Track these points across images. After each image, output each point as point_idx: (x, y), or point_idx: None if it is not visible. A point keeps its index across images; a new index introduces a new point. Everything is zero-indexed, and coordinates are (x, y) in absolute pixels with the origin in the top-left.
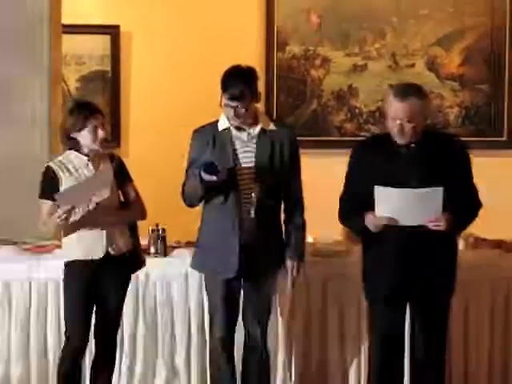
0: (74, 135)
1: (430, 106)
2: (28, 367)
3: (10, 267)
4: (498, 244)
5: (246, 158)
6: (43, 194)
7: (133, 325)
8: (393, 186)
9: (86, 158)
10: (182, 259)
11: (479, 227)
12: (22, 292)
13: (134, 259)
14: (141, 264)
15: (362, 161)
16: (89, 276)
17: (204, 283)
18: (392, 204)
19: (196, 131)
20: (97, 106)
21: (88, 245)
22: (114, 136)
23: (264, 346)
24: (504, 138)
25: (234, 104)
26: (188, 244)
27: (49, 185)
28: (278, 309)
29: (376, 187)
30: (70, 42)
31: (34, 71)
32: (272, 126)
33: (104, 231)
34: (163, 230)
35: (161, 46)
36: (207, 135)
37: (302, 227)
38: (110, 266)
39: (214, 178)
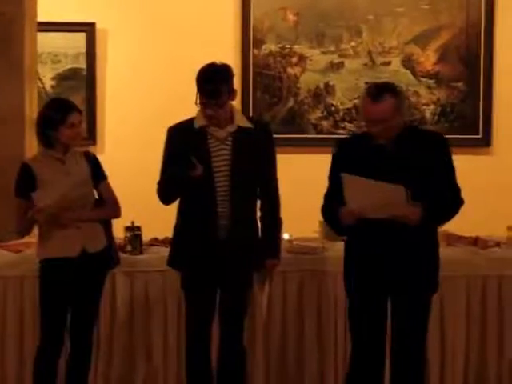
0: (50, 132)
1: (405, 103)
2: (3, 367)
3: None
4: (474, 241)
5: (222, 155)
6: (18, 192)
7: (109, 324)
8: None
9: (61, 155)
10: (158, 257)
11: (455, 224)
12: None
13: (109, 257)
14: (116, 262)
15: (343, 158)
16: (64, 274)
17: (180, 280)
18: (359, 194)
19: (171, 129)
20: (74, 103)
21: (63, 243)
22: (90, 133)
23: (240, 343)
24: (479, 136)
25: (209, 102)
26: (164, 241)
27: (24, 183)
28: (255, 306)
29: (343, 174)
30: (45, 40)
31: (9, 69)
32: (248, 124)
33: (80, 229)
34: (138, 227)
35: (136, 44)
36: (182, 133)
37: (278, 225)
38: (85, 264)
39: (190, 173)
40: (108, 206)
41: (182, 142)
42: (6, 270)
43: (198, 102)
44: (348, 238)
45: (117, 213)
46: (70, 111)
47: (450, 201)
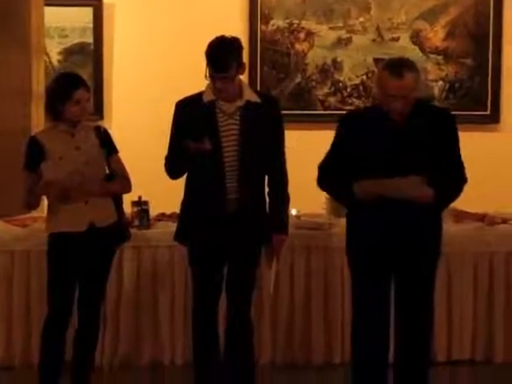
0: (58, 107)
1: (421, 78)
2: (11, 340)
3: None
4: (481, 217)
5: (231, 130)
6: (26, 165)
7: (116, 299)
8: (380, 157)
9: (71, 129)
10: (165, 231)
11: (462, 201)
12: (5, 262)
13: (118, 232)
14: (126, 237)
15: (350, 131)
16: (73, 248)
17: (188, 255)
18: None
19: (179, 103)
20: (82, 78)
21: (71, 217)
22: (97, 108)
23: (248, 317)
24: (487, 112)
25: (219, 75)
26: (172, 216)
27: (32, 156)
28: (262, 281)
29: (355, 184)
30: (52, 15)
31: (15, 43)
32: (257, 98)
33: (88, 203)
34: (146, 202)
35: (143, 18)
36: (191, 107)
37: (286, 200)
38: (94, 238)
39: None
40: (118, 180)
41: (190, 116)
42: (13, 244)
43: (207, 75)
44: (352, 211)
45: (128, 187)
46: (77, 87)
47: (457, 179)
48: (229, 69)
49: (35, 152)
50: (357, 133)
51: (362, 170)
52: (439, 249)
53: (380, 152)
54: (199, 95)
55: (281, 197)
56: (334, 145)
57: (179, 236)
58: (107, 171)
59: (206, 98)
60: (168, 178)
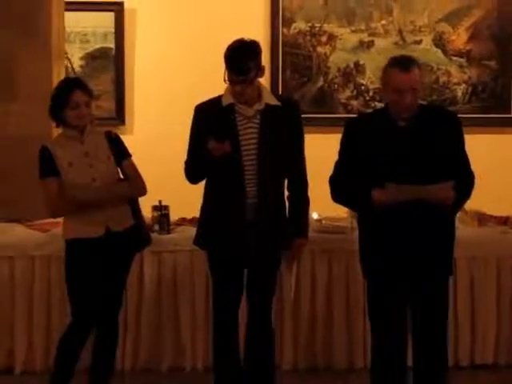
0: (59, 112)
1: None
2: (32, 344)
3: (15, 243)
4: (504, 221)
5: (250, 133)
6: (46, 171)
7: (137, 303)
8: (389, 161)
9: (79, 135)
10: (185, 236)
11: (486, 204)
12: (25, 268)
13: (137, 236)
14: (146, 241)
15: (355, 137)
16: (90, 254)
17: (208, 260)
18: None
19: (198, 107)
20: (82, 82)
21: (89, 222)
22: (118, 113)
23: (268, 322)
24: (511, 115)
25: (239, 79)
26: (192, 221)
27: (48, 162)
28: (283, 285)
29: (388, 184)
30: (74, 20)
31: (36, 48)
32: (276, 101)
33: (103, 209)
34: (166, 207)
35: (165, 23)
36: (210, 111)
37: (306, 204)
38: (111, 242)
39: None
40: (133, 184)
41: (210, 120)
42: (33, 250)
43: (226, 78)
44: (366, 220)
45: (142, 190)
46: (72, 89)
47: (469, 178)
48: (248, 72)
49: (47, 161)
50: (361, 138)
51: (371, 175)
52: (453, 253)
53: (388, 156)
54: (218, 99)
55: (301, 200)
56: (340, 154)
57: (199, 241)
58: (121, 176)
59: (225, 101)
60: (188, 182)
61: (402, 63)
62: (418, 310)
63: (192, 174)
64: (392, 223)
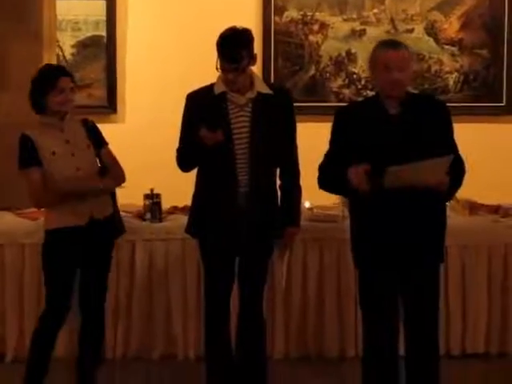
0: (42, 97)
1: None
2: (23, 333)
3: (5, 231)
4: (496, 209)
5: (242, 122)
6: (28, 161)
7: (128, 291)
8: (379, 149)
9: (59, 123)
10: (177, 224)
11: (477, 193)
12: (15, 256)
13: (114, 224)
14: (121, 230)
15: (346, 125)
16: (73, 242)
17: (199, 248)
18: (401, 180)
19: (190, 95)
20: (64, 68)
21: (73, 211)
22: (110, 102)
23: (260, 311)
24: (503, 104)
25: (231, 66)
26: (184, 209)
27: (30, 152)
28: (274, 274)
29: (389, 168)
30: (65, 8)
31: (27, 36)
32: (268, 90)
33: (88, 198)
34: (158, 195)
35: (157, 11)
36: (202, 99)
37: (298, 193)
38: (93, 230)
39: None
40: (112, 172)
41: (201, 108)
42: (23, 238)
43: (219, 67)
44: (356, 209)
45: (122, 179)
46: (60, 75)
47: (461, 166)
48: (240, 60)
49: (30, 148)
50: (352, 126)
51: (361, 162)
52: (444, 241)
53: (378, 144)
54: (210, 87)
55: (293, 189)
56: (330, 143)
57: (191, 229)
58: (98, 164)
59: (217, 89)
60: (180, 170)
61: (389, 42)
62: (409, 299)
63: (184, 162)
64: (382, 211)
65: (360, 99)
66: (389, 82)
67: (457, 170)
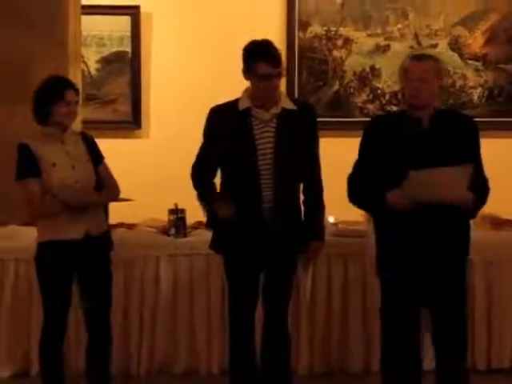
0: (46, 108)
1: (443, 73)
2: (30, 344)
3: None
4: None
5: (266, 137)
6: (28, 171)
7: (152, 307)
8: (408, 163)
9: (60, 135)
10: (202, 240)
11: (501, 208)
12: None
13: (108, 240)
14: (111, 246)
15: (375, 138)
16: (68, 254)
17: (224, 264)
18: (423, 187)
19: (213, 110)
20: (71, 81)
21: (68, 225)
22: (135, 117)
23: (285, 327)
24: None
25: (274, 71)
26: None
27: (30, 162)
28: (299, 289)
29: (411, 172)
30: (90, 23)
31: (53, 51)
32: (292, 106)
33: (84, 212)
34: (182, 210)
35: (181, 27)
36: (226, 114)
37: (322, 207)
38: (87, 246)
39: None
40: (108, 187)
41: (225, 124)
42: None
43: (254, 73)
44: (381, 220)
45: (118, 195)
46: (67, 88)
47: (485, 185)
48: (280, 63)
49: (30, 158)
50: (381, 138)
51: (389, 176)
52: (468, 255)
53: (405, 155)
54: (234, 103)
55: (316, 204)
56: (360, 155)
57: (215, 245)
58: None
59: (242, 105)
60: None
61: (417, 54)
62: (437, 313)
63: (197, 183)
64: (407, 223)
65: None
66: (409, 90)
67: (481, 189)
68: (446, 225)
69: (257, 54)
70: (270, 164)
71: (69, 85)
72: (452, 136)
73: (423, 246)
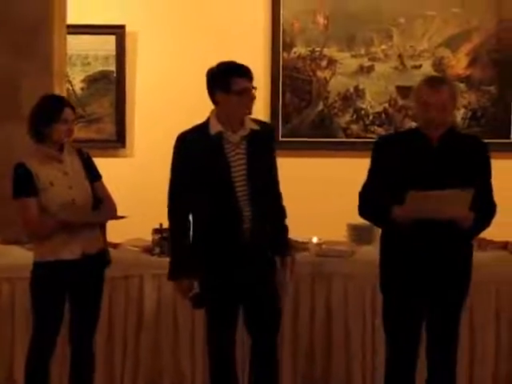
0: (43, 128)
1: (458, 95)
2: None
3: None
4: (504, 245)
5: (239, 160)
6: (24, 191)
7: (136, 327)
8: (417, 181)
9: (57, 153)
10: None
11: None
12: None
13: (104, 258)
14: (108, 263)
15: (386, 155)
16: (64, 274)
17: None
18: (423, 206)
19: (184, 136)
20: (67, 100)
21: (65, 245)
22: (119, 136)
23: (274, 358)
24: (511, 140)
25: (251, 85)
26: None
27: (27, 181)
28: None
29: (410, 192)
30: (75, 43)
31: (38, 70)
32: (256, 126)
33: (80, 231)
34: (166, 229)
35: (166, 46)
36: (198, 140)
37: (286, 228)
38: (84, 265)
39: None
40: (105, 206)
41: (198, 150)
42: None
43: (231, 91)
44: (388, 238)
45: (115, 213)
46: (64, 107)
47: (491, 209)
48: (253, 78)
49: (26, 178)
50: (391, 156)
51: (400, 193)
52: (469, 277)
53: (415, 175)
54: (202, 127)
55: (283, 224)
56: (370, 171)
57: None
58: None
59: (214, 129)
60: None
61: (434, 80)
62: (433, 335)
63: (172, 218)
64: (412, 242)
65: (373, 136)
66: (425, 120)
67: (485, 211)
68: (449, 247)
69: (230, 72)
70: (245, 185)
71: (65, 103)
72: (463, 157)
73: (427, 265)
